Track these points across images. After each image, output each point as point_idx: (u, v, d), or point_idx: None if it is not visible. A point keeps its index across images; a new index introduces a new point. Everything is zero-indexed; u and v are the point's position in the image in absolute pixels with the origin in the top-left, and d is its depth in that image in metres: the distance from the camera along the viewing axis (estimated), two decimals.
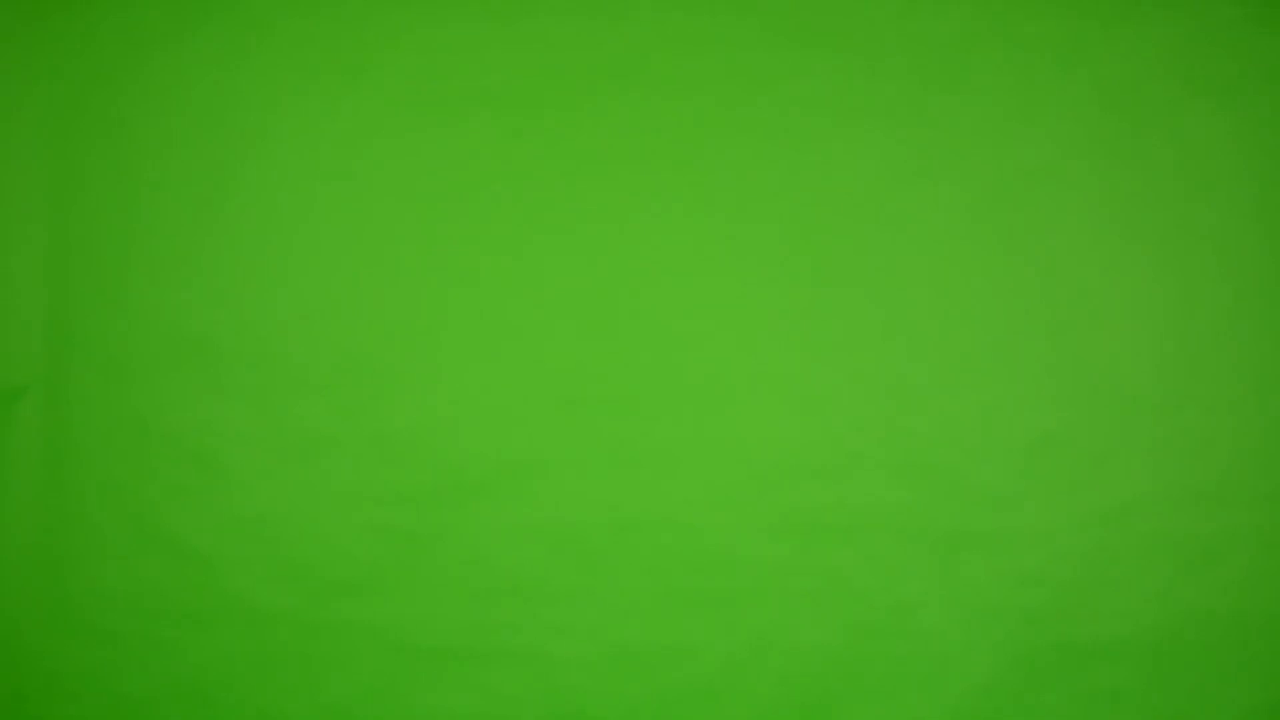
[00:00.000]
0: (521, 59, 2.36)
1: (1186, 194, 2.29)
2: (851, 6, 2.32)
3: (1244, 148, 2.29)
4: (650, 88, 2.34)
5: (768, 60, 2.33)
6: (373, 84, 2.37)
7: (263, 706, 2.35)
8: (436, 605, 2.33)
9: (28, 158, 2.40)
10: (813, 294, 2.31)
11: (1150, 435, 2.28)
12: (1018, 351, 2.29)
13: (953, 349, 2.30)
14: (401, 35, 2.37)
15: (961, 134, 2.30)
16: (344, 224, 2.37)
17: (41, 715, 2.37)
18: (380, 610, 2.34)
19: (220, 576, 2.36)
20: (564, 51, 2.35)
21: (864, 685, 2.29)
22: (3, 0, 2.41)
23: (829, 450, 2.30)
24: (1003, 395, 2.29)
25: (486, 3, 2.37)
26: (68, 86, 2.41)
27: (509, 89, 2.36)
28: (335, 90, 2.38)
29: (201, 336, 2.37)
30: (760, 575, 2.30)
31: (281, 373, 2.36)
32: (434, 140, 2.36)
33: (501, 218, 2.35)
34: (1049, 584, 2.27)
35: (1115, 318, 2.28)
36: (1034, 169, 2.30)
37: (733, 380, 2.31)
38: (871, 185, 2.31)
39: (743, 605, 2.30)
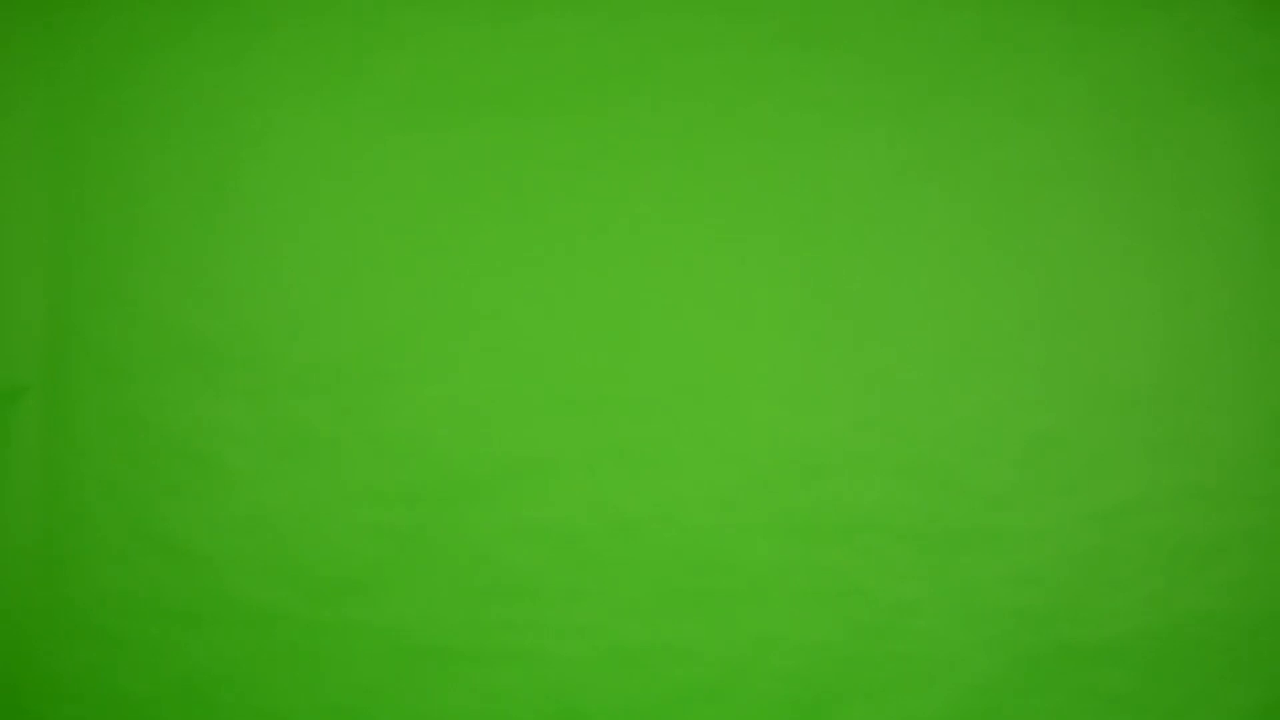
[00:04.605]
0: (522, 60, 2.36)
1: (1185, 194, 2.29)
2: (852, 7, 2.33)
3: (1243, 148, 2.29)
4: (650, 89, 2.34)
5: (768, 61, 2.33)
6: (373, 84, 2.37)
7: (263, 706, 2.35)
8: (436, 605, 2.33)
9: (28, 158, 2.40)
10: (812, 294, 2.31)
11: (1148, 435, 2.28)
12: (1016, 351, 2.29)
13: (951, 349, 2.30)
14: (401, 36, 2.37)
15: (961, 134, 2.31)
16: (344, 224, 2.37)
17: (41, 715, 2.37)
18: (380, 610, 2.34)
19: (220, 576, 2.36)
20: (564, 52, 2.36)
21: (863, 685, 2.29)
22: (3, 0, 2.41)
23: (829, 450, 2.30)
24: (1001, 395, 2.29)
25: (487, 3, 2.37)
26: (68, 86, 2.41)
27: (509, 90, 2.36)
28: (335, 90, 2.38)
29: (201, 337, 2.37)
30: (760, 575, 2.30)
31: (281, 373, 2.36)
32: (434, 141, 2.36)
33: (501, 218, 2.36)
34: (1047, 584, 2.28)
35: (1114, 317, 2.29)
36: (1034, 169, 2.30)
37: (733, 380, 2.31)
38: (871, 185, 2.32)
39: (743, 605, 2.30)
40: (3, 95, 2.39)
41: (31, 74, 2.41)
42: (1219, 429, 2.27)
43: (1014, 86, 2.31)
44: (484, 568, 2.33)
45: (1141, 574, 2.27)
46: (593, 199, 2.34)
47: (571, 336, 2.33)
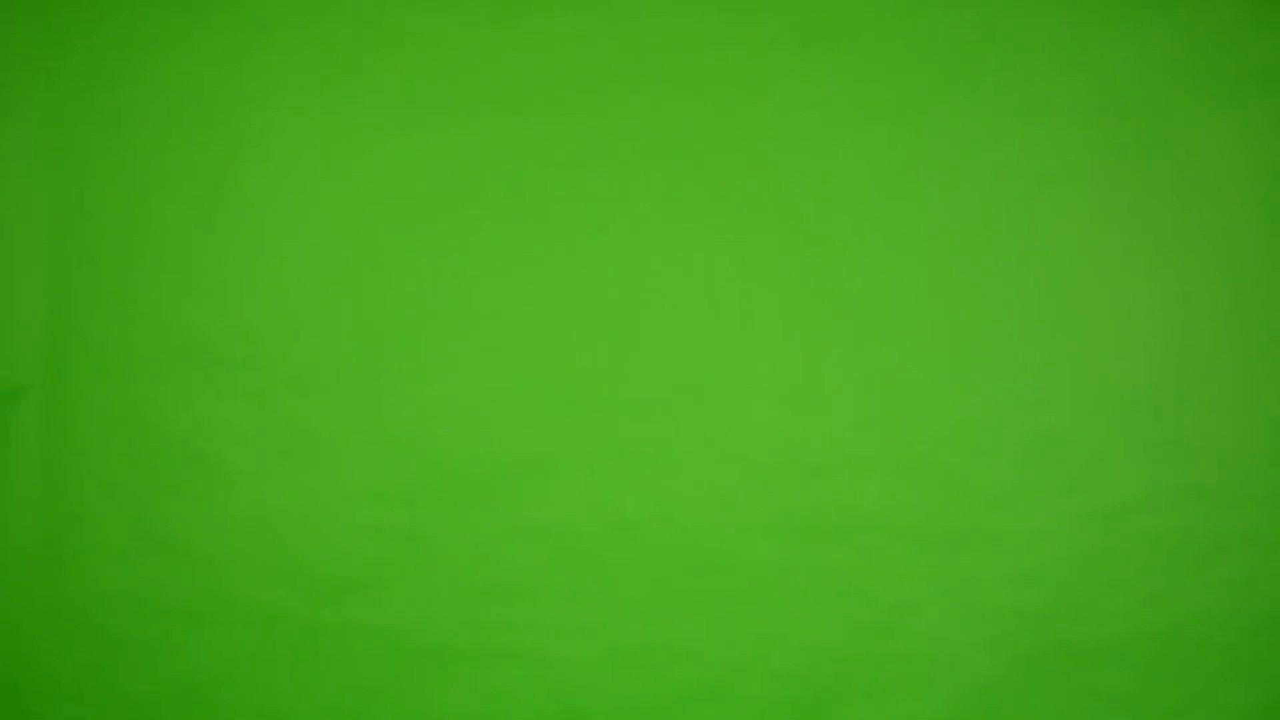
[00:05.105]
0: (522, 60, 2.36)
1: (1185, 194, 2.29)
2: (852, 7, 2.33)
3: (1243, 148, 2.29)
4: (650, 89, 2.34)
5: (768, 61, 2.33)
6: (373, 84, 2.37)
7: (263, 706, 2.35)
8: (436, 605, 2.33)
9: (28, 158, 2.40)
10: (812, 294, 2.31)
11: (1148, 435, 2.28)
12: (1016, 351, 2.29)
13: (952, 349, 2.30)
14: (401, 36, 2.37)
15: (962, 134, 2.31)
16: (344, 224, 2.37)
17: (41, 715, 2.37)
18: (380, 610, 2.34)
19: (220, 576, 2.36)
20: (564, 52, 2.36)
21: (863, 685, 2.29)
22: (3, 0, 2.41)
23: (829, 450, 2.30)
24: (1001, 395, 2.29)
25: (487, 3, 2.37)
26: (68, 86, 2.41)
27: (509, 90, 2.36)
28: (335, 90, 2.38)
29: (201, 337, 2.37)
30: (760, 575, 2.30)
31: (281, 373, 2.36)
32: (434, 141, 2.36)
33: (501, 218, 2.36)
34: (1047, 584, 2.28)
35: (1114, 317, 2.29)
36: (1034, 169, 2.30)
37: (733, 380, 2.31)
38: (871, 185, 2.32)
39: (743, 605, 2.30)
40: (3, 95, 2.39)
41: (31, 74, 2.41)
42: (1219, 429, 2.27)
43: (1014, 86, 2.31)
44: (484, 568, 2.33)
45: (1141, 574, 2.27)
46: (593, 199, 2.34)
47: (571, 336, 2.33)
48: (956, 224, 2.30)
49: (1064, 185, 2.30)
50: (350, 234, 2.36)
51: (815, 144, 2.32)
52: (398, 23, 2.38)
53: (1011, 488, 2.28)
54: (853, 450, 2.30)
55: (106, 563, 2.38)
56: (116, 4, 2.42)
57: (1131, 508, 2.27)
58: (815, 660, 2.30)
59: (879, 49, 2.32)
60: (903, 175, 2.31)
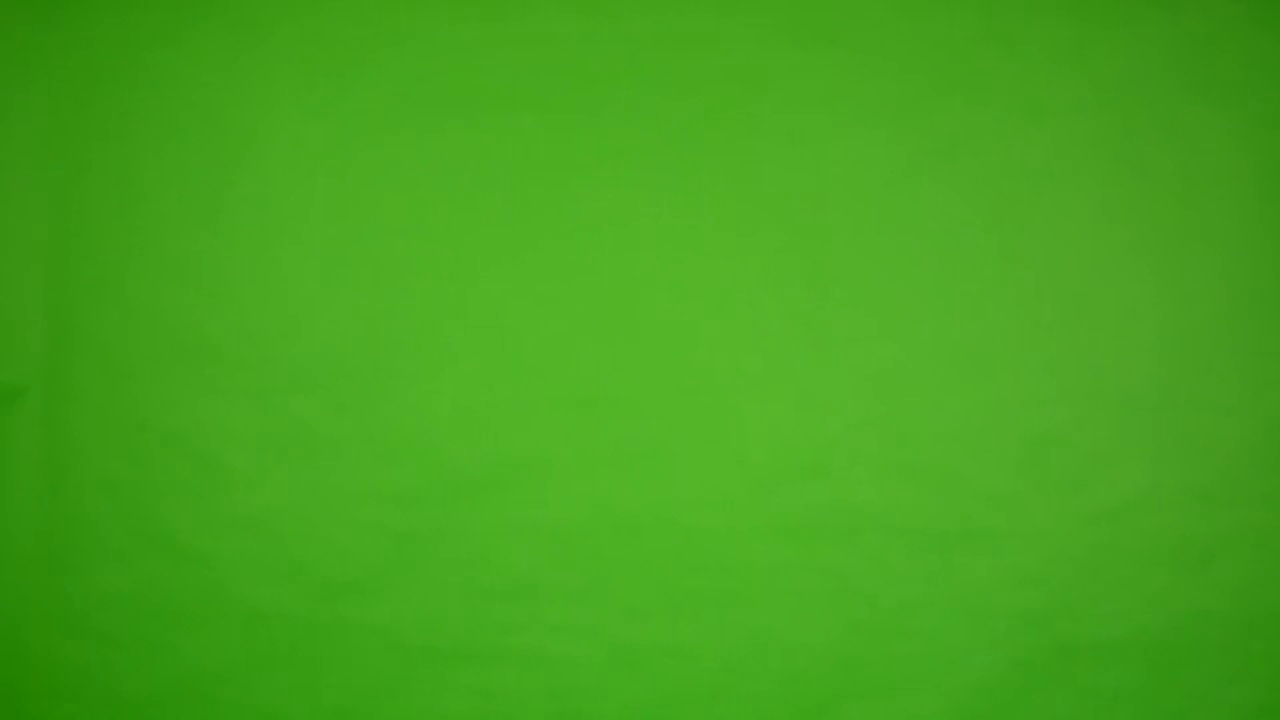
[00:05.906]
0: (521, 59, 2.36)
1: (1186, 194, 2.29)
2: (852, 7, 2.33)
3: (1244, 148, 2.29)
4: (650, 88, 2.34)
5: (768, 60, 2.33)
6: (372, 84, 2.37)
7: (263, 706, 2.35)
8: (436, 605, 2.33)
9: (28, 157, 2.40)
10: (812, 294, 2.31)
11: (1150, 435, 2.28)
12: (1017, 351, 2.29)
13: (952, 349, 2.30)
14: (401, 36, 2.37)
15: (961, 134, 2.30)
16: (343, 224, 2.37)
17: (41, 715, 2.38)
18: (380, 610, 2.34)
19: (220, 576, 2.36)
20: (564, 51, 2.36)
21: (863, 685, 2.29)
22: (3, 1, 2.41)
23: (829, 450, 2.30)
24: (1002, 395, 2.29)
25: (487, 3, 2.37)
26: (68, 86, 2.41)
27: (509, 89, 2.36)
28: (335, 90, 2.38)
29: (201, 336, 2.37)
30: (760, 575, 2.30)
31: (281, 373, 2.36)
32: (433, 140, 2.36)
33: (501, 218, 2.36)
34: (1048, 584, 2.27)
35: (1115, 317, 2.28)
36: (1034, 169, 2.30)
37: (732, 381, 2.31)
38: (871, 185, 2.31)
39: (743, 605, 2.30)
40: (3, 95, 2.40)
41: (31, 74, 2.41)
42: (1220, 429, 2.27)
43: (1015, 85, 2.31)
44: (484, 568, 2.33)
45: (1141, 574, 2.26)
46: (592, 198, 2.34)
47: (571, 336, 2.33)
48: (957, 224, 2.30)
49: (1065, 184, 2.30)
50: (350, 234, 2.37)
51: (815, 144, 2.32)
52: (398, 23, 2.38)
53: (1011, 488, 2.28)
54: (853, 450, 2.30)
55: (106, 563, 2.38)
56: (116, 4, 2.42)
57: (1132, 508, 2.27)
58: (815, 660, 2.29)
59: (879, 48, 2.32)
60: (903, 175, 2.31)
